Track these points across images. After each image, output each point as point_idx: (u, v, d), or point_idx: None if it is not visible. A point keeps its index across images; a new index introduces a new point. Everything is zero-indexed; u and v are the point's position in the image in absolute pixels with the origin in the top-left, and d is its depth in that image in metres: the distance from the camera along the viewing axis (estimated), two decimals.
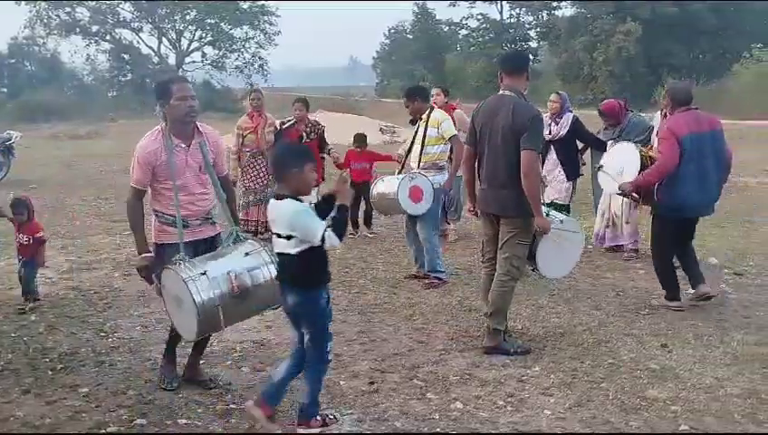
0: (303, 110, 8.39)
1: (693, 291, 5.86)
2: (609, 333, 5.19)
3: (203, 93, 35.58)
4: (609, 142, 7.22)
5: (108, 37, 46.51)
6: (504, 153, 4.67)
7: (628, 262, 7.29)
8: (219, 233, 4.17)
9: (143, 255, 3.99)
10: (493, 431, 3.69)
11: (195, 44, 48.26)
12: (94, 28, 45.90)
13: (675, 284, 5.81)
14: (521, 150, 4.56)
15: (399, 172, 6.87)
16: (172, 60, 47.64)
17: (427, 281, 6.49)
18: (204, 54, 48.30)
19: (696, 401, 4.06)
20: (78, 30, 45.17)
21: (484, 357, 4.73)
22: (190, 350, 4.33)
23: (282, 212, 3.50)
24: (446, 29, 56.76)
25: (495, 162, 4.74)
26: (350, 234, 8.46)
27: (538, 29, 51.60)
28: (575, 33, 43.19)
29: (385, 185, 6.68)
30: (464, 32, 55.45)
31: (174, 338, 4.25)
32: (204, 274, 3.63)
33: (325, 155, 8.48)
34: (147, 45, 47.61)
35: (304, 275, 3.52)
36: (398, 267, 7.06)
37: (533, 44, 52.67)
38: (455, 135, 6.54)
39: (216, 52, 48.31)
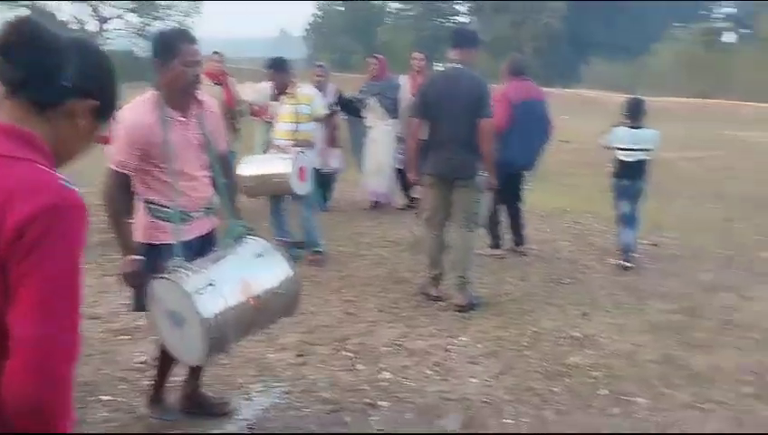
0: None
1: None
2: (533, 303, 5.33)
3: (126, 63, 34.32)
4: (373, 99, 8.13)
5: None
6: (464, 122, 5.00)
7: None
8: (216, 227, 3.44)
9: (131, 257, 3.11)
10: (420, 400, 3.76)
11: (116, 12, 46.57)
12: None
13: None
14: (480, 119, 4.98)
15: (266, 151, 6.52)
16: (92, 27, 45.85)
17: (310, 258, 6.24)
18: (126, 22, 46.72)
19: (615, 366, 4.23)
20: None
21: (412, 328, 4.78)
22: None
23: None
24: (376, 2, 56.30)
25: (455, 130, 5.03)
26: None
27: (468, 5, 51.76)
28: (502, 10, 43.64)
29: (262, 166, 6.10)
30: (394, 5, 55.16)
31: (165, 364, 3.46)
32: (212, 284, 2.87)
33: None
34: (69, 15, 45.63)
35: None
36: (327, 240, 7.00)
37: (462, 19, 52.92)
38: (327, 114, 6.79)
39: (140, 19, 46.78)
